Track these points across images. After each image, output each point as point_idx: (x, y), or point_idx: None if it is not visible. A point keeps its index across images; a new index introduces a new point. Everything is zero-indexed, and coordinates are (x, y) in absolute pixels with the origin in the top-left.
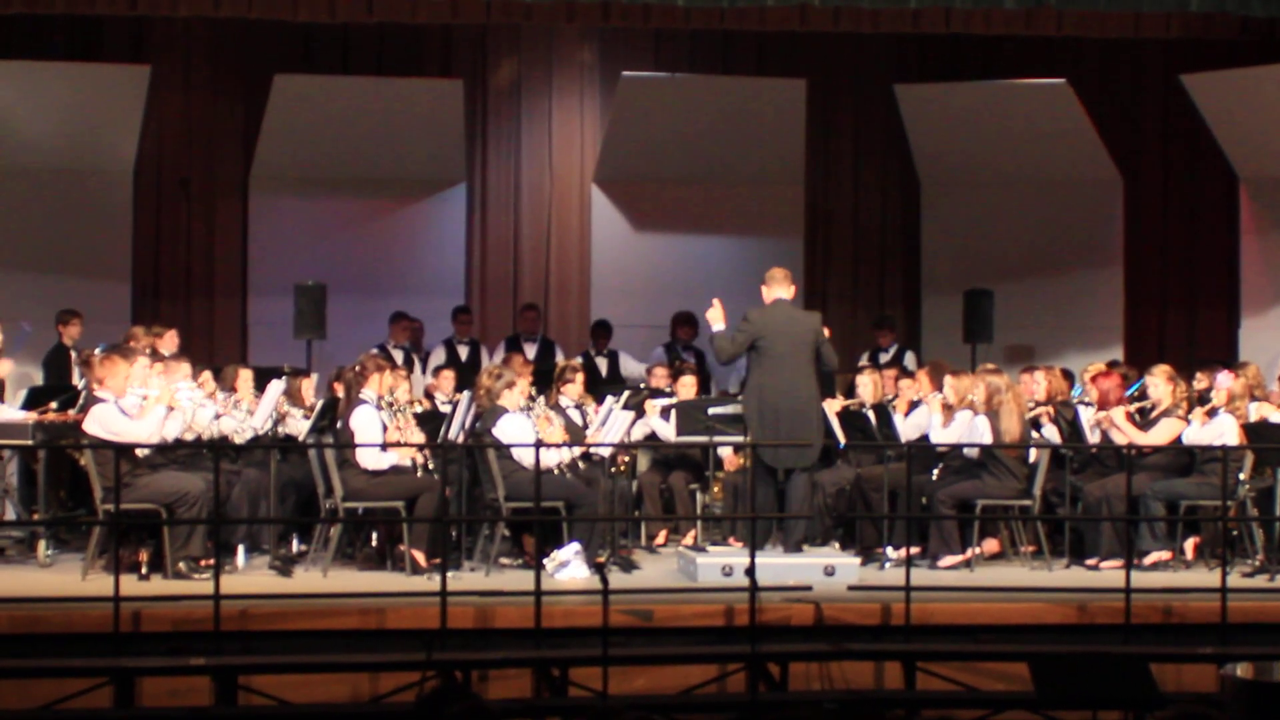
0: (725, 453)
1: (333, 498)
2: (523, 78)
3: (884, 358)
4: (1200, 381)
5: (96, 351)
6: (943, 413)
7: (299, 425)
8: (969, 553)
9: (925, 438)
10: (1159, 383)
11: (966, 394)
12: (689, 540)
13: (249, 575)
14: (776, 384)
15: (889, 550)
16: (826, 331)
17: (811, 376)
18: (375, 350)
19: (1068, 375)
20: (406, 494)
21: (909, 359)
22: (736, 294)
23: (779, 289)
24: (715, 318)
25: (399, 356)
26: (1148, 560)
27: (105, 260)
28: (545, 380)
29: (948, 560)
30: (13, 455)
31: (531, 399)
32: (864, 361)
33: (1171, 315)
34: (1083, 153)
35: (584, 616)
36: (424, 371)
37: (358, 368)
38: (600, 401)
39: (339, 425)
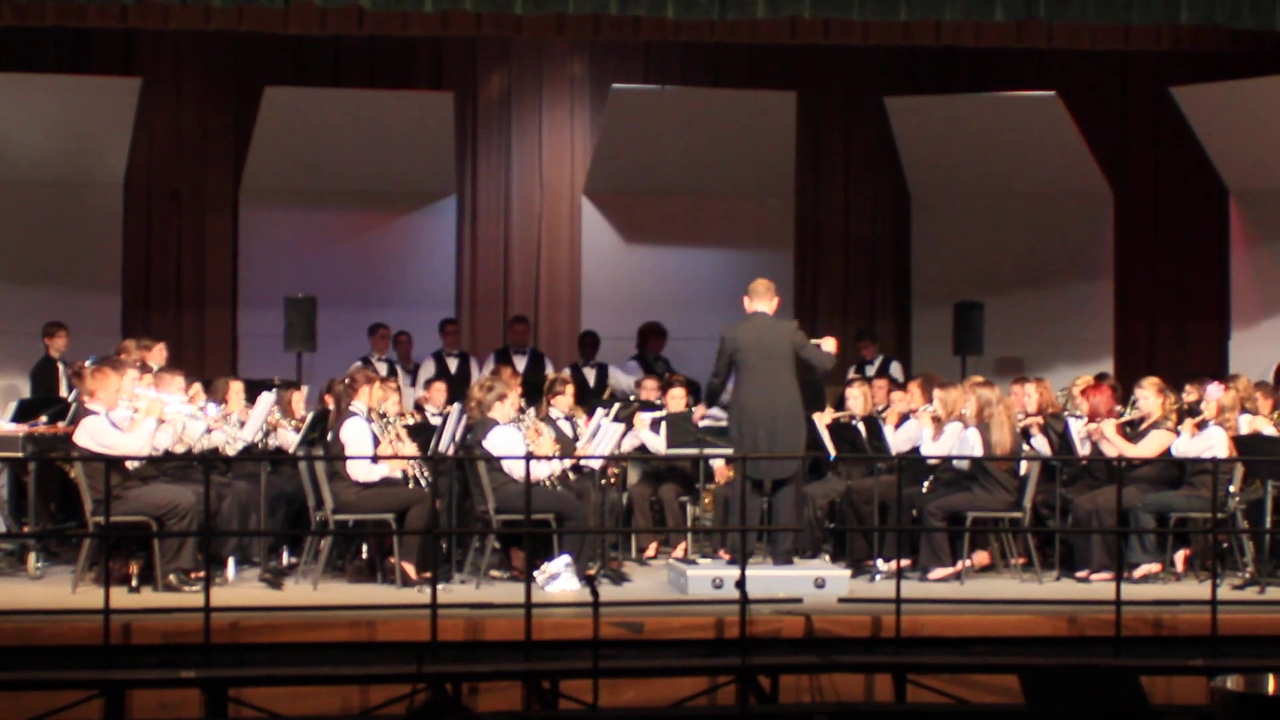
0: (715, 465)
1: (323, 510)
2: (513, 90)
3: (870, 369)
4: (1190, 394)
5: (87, 364)
6: (932, 425)
7: (289, 437)
8: (959, 565)
9: (916, 450)
10: (1148, 395)
11: (955, 406)
12: (679, 552)
13: (239, 588)
14: (753, 396)
15: (879, 562)
16: (834, 345)
17: (790, 387)
18: (359, 363)
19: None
20: (397, 506)
21: (894, 369)
22: (726, 306)
23: (760, 302)
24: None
25: (383, 369)
26: (1138, 572)
27: (95, 272)
28: (535, 392)
29: (938, 572)
30: (2, 468)
31: (522, 411)
32: (853, 374)
33: (1162, 328)
34: (1073, 165)
35: (574, 629)
36: (411, 383)
37: (347, 380)
38: (590, 414)
39: (329, 437)
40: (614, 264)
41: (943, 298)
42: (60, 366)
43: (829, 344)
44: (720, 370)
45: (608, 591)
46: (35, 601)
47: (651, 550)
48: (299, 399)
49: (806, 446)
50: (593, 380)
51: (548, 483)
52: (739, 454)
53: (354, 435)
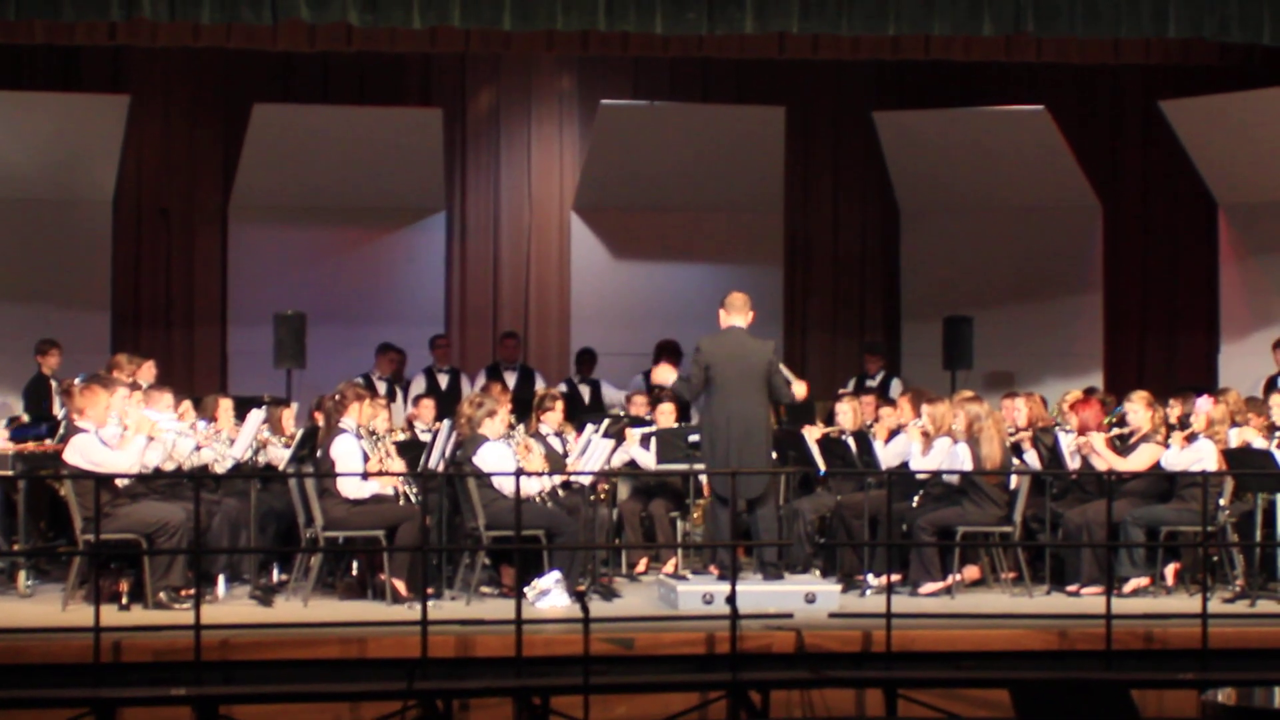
0: (705, 480)
1: (313, 527)
2: (502, 106)
3: (870, 384)
4: (1174, 408)
5: (76, 381)
6: (922, 440)
7: (279, 454)
8: (950, 579)
9: (906, 465)
10: (1138, 408)
11: (944, 421)
12: (669, 568)
13: (230, 605)
14: (725, 411)
15: (870, 577)
16: (804, 390)
17: (762, 404)
18: (359, 380)
19: (1043, 402)
20: (387, 523)
21: (895, 386)
22: (715, 322)
23: (735, 316)
24: (664, 376)
25: (382, 388)
26: (1128, 586)
27: (85, 290)
28: (524, 408)
29: (928, 587)
30: None
31: (512, 427)
32: (846, 388)
33: (1151, 341)
34: (1062, 179)
35: (565, 645)
36: (404, 401)
37: (337, 397)
38: (580, 429)
39: (319, 454)
40: (603, 279)
41: (932, 312)
42: (53, 384)
43: (800, 388)
44: (695, 383)
45: (598, 607)
46: (25, 620)
47: (642, 566)
48: (289, 416)
49: (796, 462)
50: (587, 396)
51: (538, 499)
52: (729, 470)
53: (344, 452)
